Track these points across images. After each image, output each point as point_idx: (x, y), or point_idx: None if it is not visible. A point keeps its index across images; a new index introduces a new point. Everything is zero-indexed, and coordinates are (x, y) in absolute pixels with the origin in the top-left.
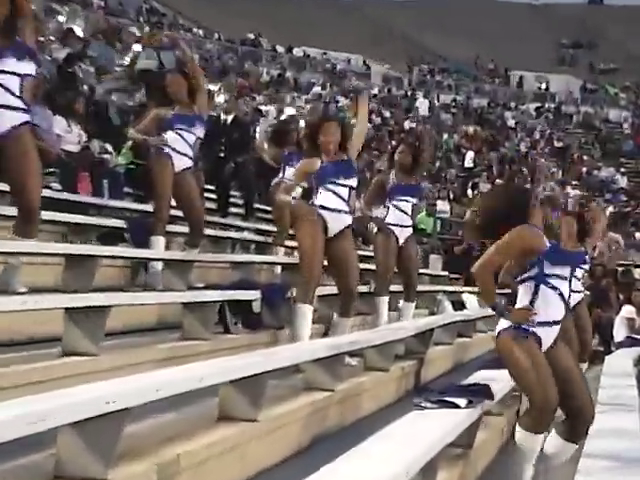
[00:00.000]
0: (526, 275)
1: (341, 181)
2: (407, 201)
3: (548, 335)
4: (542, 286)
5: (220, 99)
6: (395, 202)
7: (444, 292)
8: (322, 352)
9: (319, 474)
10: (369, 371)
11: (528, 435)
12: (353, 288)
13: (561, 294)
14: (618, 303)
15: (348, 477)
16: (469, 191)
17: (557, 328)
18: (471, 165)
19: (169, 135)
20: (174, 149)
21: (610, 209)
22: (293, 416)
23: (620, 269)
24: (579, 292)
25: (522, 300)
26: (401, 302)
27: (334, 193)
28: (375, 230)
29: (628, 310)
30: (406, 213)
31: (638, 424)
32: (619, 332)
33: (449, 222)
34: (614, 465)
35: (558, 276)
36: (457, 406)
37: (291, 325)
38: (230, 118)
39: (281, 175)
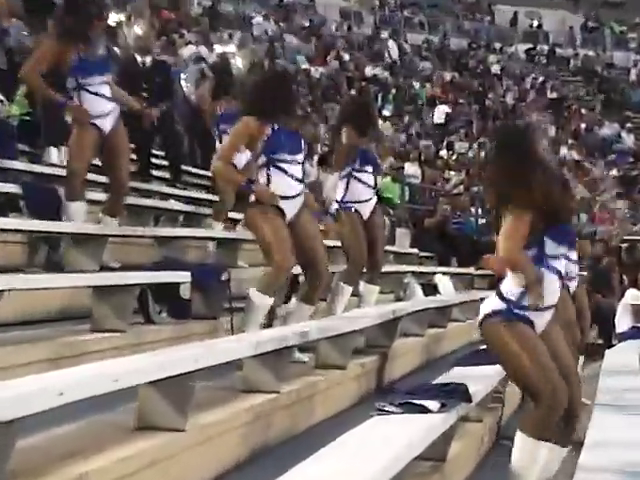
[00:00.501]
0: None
1: (292, 157)
2: (367, 171)
3: (542, 320)
4: (542, 268)
5: (134, 32)
6: (355, 174)
7: (413, 273)
8: (265, 346)
9: None
10: (322, 369)
11: (530, 442)
12: (323, 270)
13: (560, 276)
14: (621, 287)
15: None
16: (443, 152)
17: (551, 312)
18: (442, 121)
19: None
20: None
21: (614, 173)
22: (229, 424)
23: (624, 246)
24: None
25: (512, 280)
26: (362, 285)
27: (287, 174)
28: (334, 211)
29: (633, 295)
30: (368, 185)
31: None
32: (622, 321)
33: (420, 189)
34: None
35: (556, 256)
36: (428, 410)
37: (244, 319)
38: (149, 60)
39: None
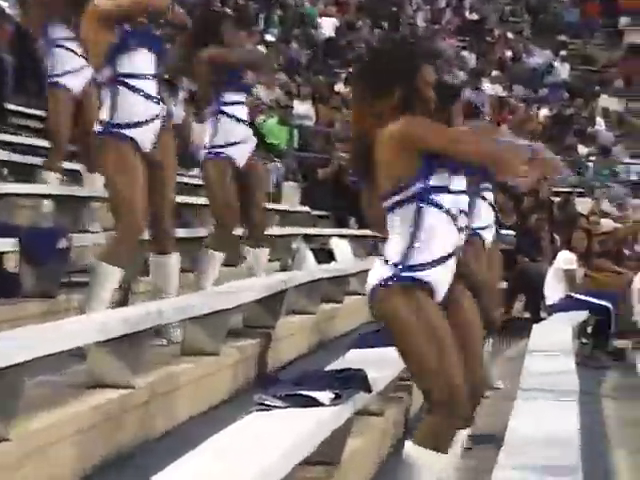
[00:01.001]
0: (400, 197)
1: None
2: (241, 103)
3: (441, 278)
4: (425, 207)
5: None
6: (224, 108)
7: (303, 237)
8: (114, 329)
9: None
10: (189, 355)
11: (424, 453)
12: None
13: (450, 214)
14: (552, 249)
15: None
16: (340, 86)
17: (452, 263)
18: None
19: None
20: None
21: (545, 111)
22: (67, 429)
23: (556, 200)
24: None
25: (398, 234)
26: (248, 250)
27: (137, 91)
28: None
29: (567, 258)
30: (243, 121)
31: (577, 423)
32: (554, 290)
33: (312, 132)
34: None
35: (441, 188)
36: (318, 403)
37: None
38: None
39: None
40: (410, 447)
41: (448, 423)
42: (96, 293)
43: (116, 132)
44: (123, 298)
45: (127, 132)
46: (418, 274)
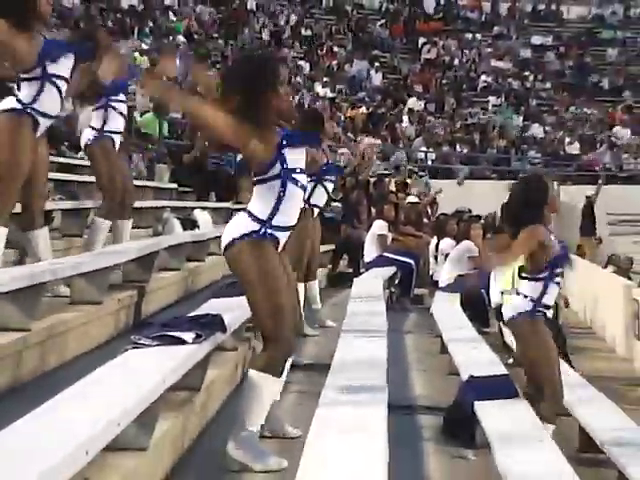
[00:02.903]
0: (269, 174)
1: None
2: (123, 101)
3: (283, 241)
4: (289, 183)
5: None
6: (112, 103)
7: (171, 209)
8: (14, 283)
9: (9, 430)
10: (77, 304)
11: (263, 377)
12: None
13: (304, 189)
14: (369, 219)
15: (46, 432)
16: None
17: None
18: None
19: None
20: None
21: (363, 110)
22: None
23: (372, 180)
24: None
25: (263, 202)
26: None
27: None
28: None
29: (379, 225)
30: (122, 114)
31: (385, 353)
32: (370, 251)
33: (180, 123)
34: (358, 395)
35: (296, 169)
36: (183, 342)
37: None
38: None
39: None
40: (253, 373)
41: (280, 354)
42: None
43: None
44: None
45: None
46: (277, 233)
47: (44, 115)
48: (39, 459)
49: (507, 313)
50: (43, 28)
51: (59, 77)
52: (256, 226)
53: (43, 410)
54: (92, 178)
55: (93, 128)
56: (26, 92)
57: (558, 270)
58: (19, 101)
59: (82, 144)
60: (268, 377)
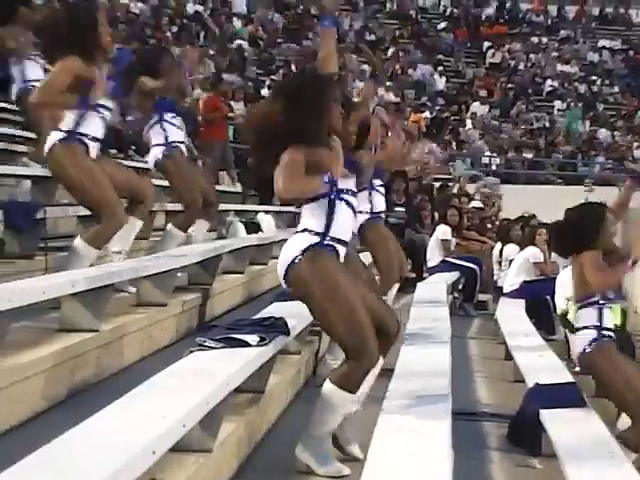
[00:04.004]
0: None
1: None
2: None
3: (342, 255)
4: (337, 201)
5: None
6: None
7: (235, 212)
8: (84, 284)
9: (76, 430)
10: (143, 306)
11: (338, 392)
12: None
13: (354, 210)
14: (433, 224)
15: (112, 432)
16: (265, 91)
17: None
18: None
19: None
20: None
21: (427, 114)
22: (43, 364)
23: (436, 185)
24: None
25: (316, 217)
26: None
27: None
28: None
29: (443, 230)
30: (179, 127)
31: (449, 359)
32: (433, 255)
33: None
34: (421, 401)
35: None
36: (247, 344)
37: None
38: None
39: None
40: (330, 388)
41: (361, 372)
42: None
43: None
44: None
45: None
46: (336, 245)
47: (93, 139)
48: (107, 458)
49: (575, 351)
50: (106, 60)
51: (100, 105)
52: (315, 238)
53: (111, 409)
54: (160, 182)
55: (158, 145)
56: (70, 119)
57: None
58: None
59: (151, 165)
60: (345, 394)
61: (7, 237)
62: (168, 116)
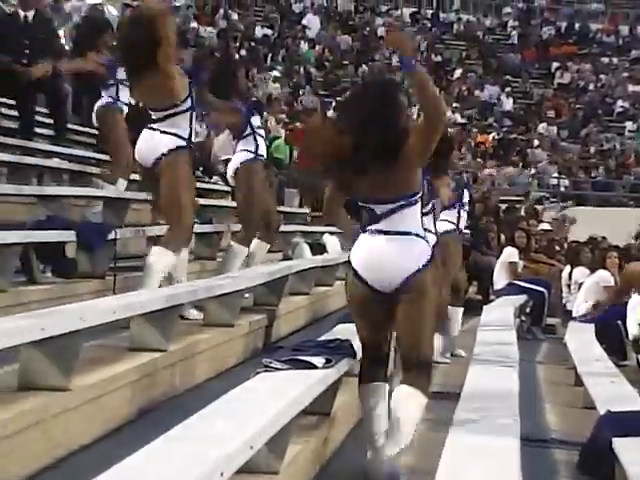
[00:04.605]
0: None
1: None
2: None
3: None
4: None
5: None
6: (257, 130)
7: (301, 233)
8: (152, 304)
9: (145, 450)
10: (210, 327)
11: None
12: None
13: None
14: (499, 246)
15: (182, 453)
16: (330, 112)
17: None
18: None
19: None
20: None
21: (494, 135)
22: (115, 383)
23: (503, 206)
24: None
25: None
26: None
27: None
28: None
29: (510, 253)
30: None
31: (517, 384)
32: (500, 278)
33: None
34: (489, 426)
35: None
36: (313, 366)
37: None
38: (31, 14)
39: (106, 100)
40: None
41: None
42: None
43: None
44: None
45: None
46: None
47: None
48: (176, 478)
49: None
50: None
51: None
52: (430, 249)
53: (177, 430)
54: (226, 202)
55: (248, 151)
56: (183, 126)
57: None
58: (181, 137)
59: (232, 169)
60: (423, 399)
61: (80, 257)
62: (260, 131)
